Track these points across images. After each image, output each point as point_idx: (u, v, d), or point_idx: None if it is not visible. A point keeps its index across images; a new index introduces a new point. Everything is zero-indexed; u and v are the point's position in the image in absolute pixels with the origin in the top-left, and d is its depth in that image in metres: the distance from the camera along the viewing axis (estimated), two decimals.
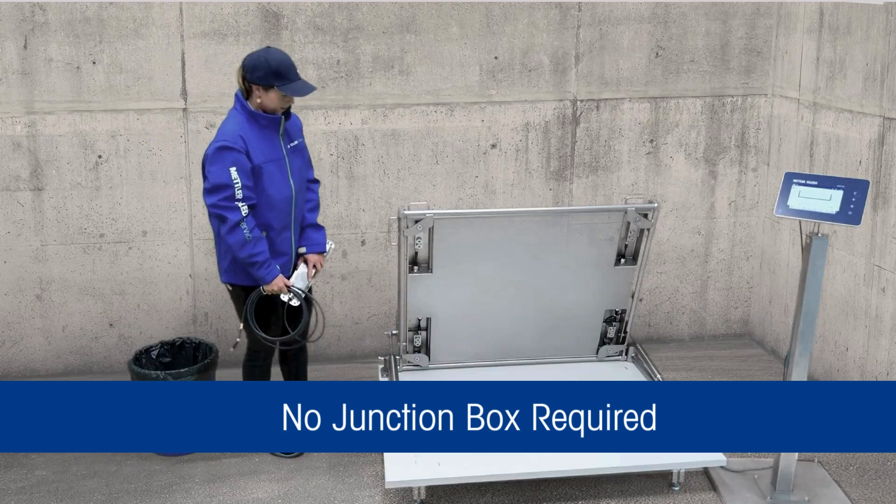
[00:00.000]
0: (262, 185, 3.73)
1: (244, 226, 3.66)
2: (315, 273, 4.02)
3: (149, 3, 4.63)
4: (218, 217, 3.68)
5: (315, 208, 4.08)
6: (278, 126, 3.79)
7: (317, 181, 4.13)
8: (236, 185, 3.63)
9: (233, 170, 3.62)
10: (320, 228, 4.07)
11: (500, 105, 5.00)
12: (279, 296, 3.86)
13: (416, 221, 4.09)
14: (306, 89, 3.73)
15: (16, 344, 4.95)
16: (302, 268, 3.97)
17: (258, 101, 3.72)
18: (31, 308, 4.91)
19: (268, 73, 3.65)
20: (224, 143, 3.64)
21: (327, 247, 4.09)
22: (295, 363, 4.25)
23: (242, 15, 4.71)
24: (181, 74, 4.74)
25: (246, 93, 3.75)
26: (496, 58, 4.94)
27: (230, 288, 3.97)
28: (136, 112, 4.75)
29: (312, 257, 4.01)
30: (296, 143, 3.91)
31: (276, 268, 3.80)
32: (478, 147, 5.03)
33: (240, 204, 3.64)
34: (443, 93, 4.93)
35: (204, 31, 4.70)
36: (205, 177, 3.71)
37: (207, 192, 3.68)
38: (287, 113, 3.84)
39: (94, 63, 4.66)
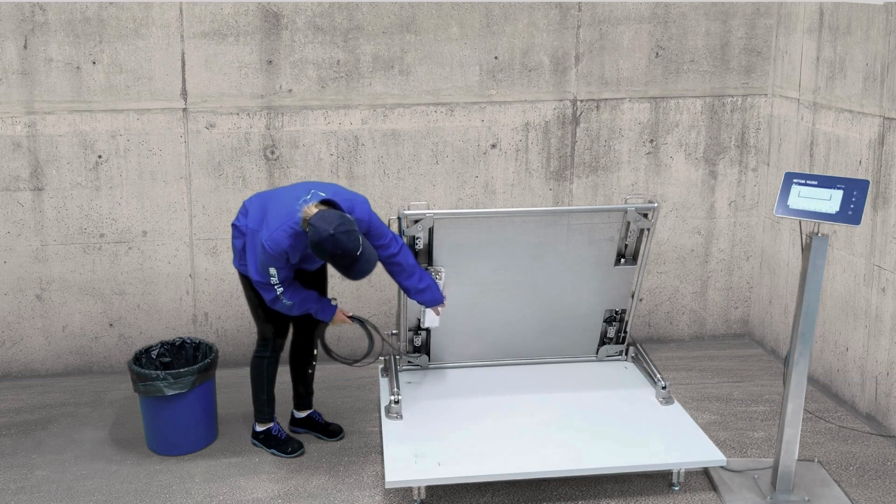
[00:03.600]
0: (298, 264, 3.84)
1: (283, 298, 3.77)
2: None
3: (149, 3, 4.63)
4: (261, 287, 3.80)
5: (411, 275, 3.95)
6: None
7: (397, 252, 3.91)
8: (273, 278, 3.71)
9: (272, 269, 3.70)
10: (424, 290, 4.00)
11: (500, 105, 5.00)
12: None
13: (416, 221, 4.09)
14: (365, 272, 3.58)
15: (16, 344, 4.95)
16: (430, 312, 4.18)
17: None
18: (31, 308, 4.91)
19: (325, 256, 3.54)
20: (268, 249, 3.63)
21: (440, 284, 4.18)
22: (305, 365, 4.25)
23: (242, 15, 4.71)
24: (181, 74, 4.74)
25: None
26: (496, 58, 4.94)
27: (241, 277, 4.01)
28: (136, 112, 4.75)
29: (431, 309, 4.15)
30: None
31: (330, 304, 3.92)
32: (478, 147, 5.03)
33: (277, 287, 3.74)
34: (443, 93, 4.93)
35: (204, 31, 4.70)
36: (250, 251, 3.82)
37: (252, 266, 3.80)
38: None
39: (94, 63, 4.66)
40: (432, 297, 4.06)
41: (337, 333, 5.17)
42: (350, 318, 4.02)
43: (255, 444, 4.22)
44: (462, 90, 4.95)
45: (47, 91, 4.66)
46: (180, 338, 4.35)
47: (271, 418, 4.20)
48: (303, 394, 4.32)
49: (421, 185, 5.04)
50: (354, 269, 3.57)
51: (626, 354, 4.69)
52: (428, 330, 4.46)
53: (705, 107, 5.18)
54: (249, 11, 4.71)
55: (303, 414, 4.34)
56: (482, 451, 3.78)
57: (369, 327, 4.09)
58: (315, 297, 3.88)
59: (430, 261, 4.24)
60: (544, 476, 3.68)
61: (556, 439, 3.87)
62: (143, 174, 4.82)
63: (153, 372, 4.00)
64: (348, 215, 3.57)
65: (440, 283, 4.18)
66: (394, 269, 3.96)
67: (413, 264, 3.97)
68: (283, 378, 4.66)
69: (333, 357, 4.11)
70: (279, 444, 4.15)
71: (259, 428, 4.21)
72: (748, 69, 5.17)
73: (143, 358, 4.22)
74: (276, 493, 3.82)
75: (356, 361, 4.18)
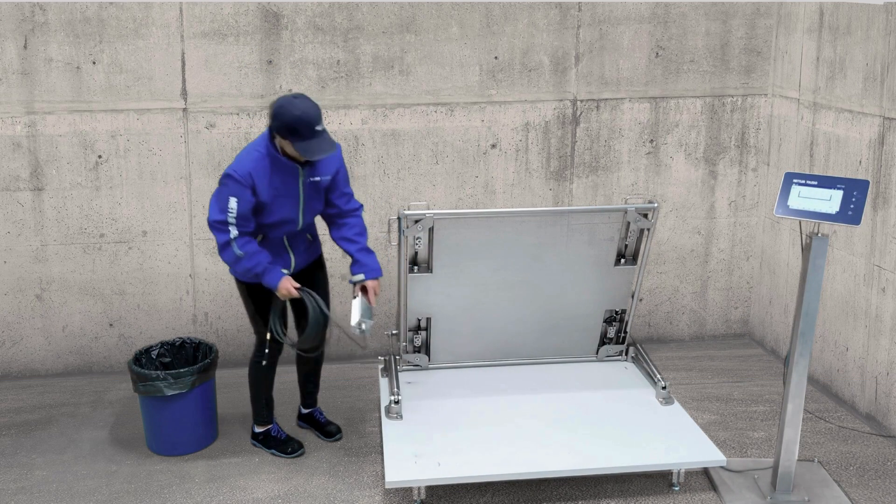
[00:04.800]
0: (268, 216, 3.74)
1: (233, 245, 3.67)
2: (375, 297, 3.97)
3: (149, 3, 4.63)
4: (215, 235, 3.72)
5: (362, 233, 3.96)
6: (297, 171, 3.74)
7: (358, 208, 3.98)
8: (230, 213, 3.63)
9: (232, 199, 3.63)
10: (371, 253, 3.95)
11: (500, 105, 5.00)
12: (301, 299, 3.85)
13: (416, 221, 4.09)
14: (321, 151, 3.57)
15: (16, 344, 4.95)
16: (361, 299, 3.88)
17: (280, 145, 3.68)
18: (31, 308, 4.91)
19: (282, 126, 3.56)
20: (232, 174, 3.63)
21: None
22: (309, 367, 4.26)
23: (242, 15, 4.71)
24: (181, 74, 4.74)
25: (273, 135, 3.68)
26: (496, 58, 4.94)
27: (237, 283, 3.98)
28: (136, 112, 4.75)
29: (371, 283, 3.91)
30: (317, 179, 3.80)
31: (279, 272, 3.75)
32: (478, 147, 5.03)
33: (231, 228, 3.65)
34: (443, 93, 4.93)
35: (204, 31, 4.70)
36: (215, 193, 3.73)
37: (211, 210, 3.71)
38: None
39: (94, 63, 4.66)
40: (375, 265, 3.92)
41: (337, 334, 5.17)
42: (298, 290, 3.78)
43: (254, 445, 4.22)
44: (462, 90, 4.95)
45: (47, 91, 4.66)
46: (180, 338, 4.35)
47: (270, 420, 4.20)
48: (307, 393, 4.33)
49: (421, 185, 5.04)
50: (315, 141, 3.55)
51: (626, 354, 4.69)
52: (427, 330, 4.46)
53: (705, 107, 5.18)
54: (249, 11, 4.71)
55: (307, 410, 4.36)
56: (482, 451, 3.78)
57: (312, 304, 3.81)
58: (267, 257, 3.74)
59: (430, 261, 4.24)
60: (544, 476, 3.68)
61: (556, 439, 3.87)
62: (143, 174, 4.82)
63: (153, 372, 4.00)
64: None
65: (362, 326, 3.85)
66: (349, 222, 3.94)
67: (364, 228, 3.98)
68: (286, 378, 4.66)
69: (275, 336, 3.92)
70: (279, 444, 4.15)
71: (258, 430, 4.21)
72: (748, 69, 5.17)
73: (143, 358, 4.22)
74: (276, 493, 3.82)
75: (293, 344, 3.98)
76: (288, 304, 4.03)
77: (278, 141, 3.66)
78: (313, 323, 3.84)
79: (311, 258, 4.05)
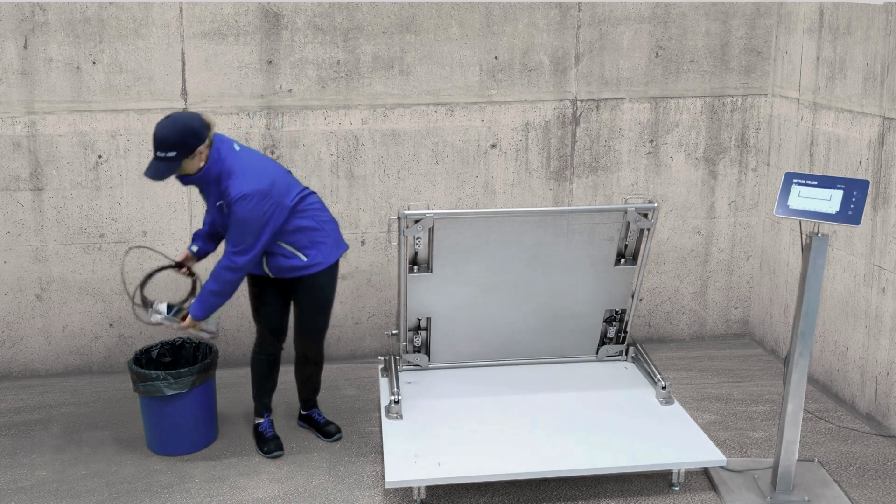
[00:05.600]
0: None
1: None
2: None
3: (149, 3, 4.63)
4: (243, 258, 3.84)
5: (210, 278, 3.80)
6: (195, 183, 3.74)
7: (226, 251, 3.76)
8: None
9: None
10: (202, 296, 3.82)
11: (500, 105, 5.00)
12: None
13: (416, 221, 4.09)
14: (147, 171, 3.59)
15: (16, 344, 4.95)
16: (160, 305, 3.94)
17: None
18: (31, 308, 4.91)
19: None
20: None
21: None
22: (305, 373, 4.25)
23: (242, 15, 4.71)
24: (181, 74, 4.74)
25: None
26: (496, 58, 4.94)
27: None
28: (136, 112, 4.75)
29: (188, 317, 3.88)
30: (219, 203, 3.75)
31: (209, 308, 3.87)
32: (478, 147, 5.03)
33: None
34: (443, 93, 4.93)
35: (204, 31, 4.70)
36: None
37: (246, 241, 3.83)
38: (195, 181, 3.72)
39: (94, 63, 4.66)
40: (198, 304, 3.84)
41: (337, 334, 5.17)
42: (188, 327, 3.86)
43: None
44: (462, 90, 4.95)
45: (47, 91, 4.66)
46: (180, 338, 4.35)
47: (261, 414, 4.21)
48: (304, 398, 4.33)
49: (421, 185, 5.04)
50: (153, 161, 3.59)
51: (626, 354, 4.69)
52: (427, 330, 4.46)
53: (705, 107, 5.18)
54: (249, 11, 4.71)
55: (305, 411, 4.37)
56: (482, 451, 3.78)
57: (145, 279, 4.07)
58: (200, 235, 4.03)
59: (430, 261, 4.24)
60: (544, 476, 3.68)
61: (556, 439, 3.87)
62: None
63: (153, 372, 4.00)
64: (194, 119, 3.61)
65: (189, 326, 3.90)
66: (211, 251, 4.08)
67: (214, 275, 3.79)
68: (286, 378, 4.67)
69: (135, 303, 4.08)
70: (261, 440, 4.16)
71: (255, 421, 4.23)
72: (748, 69, 5.17)
73: (143, 358, 4.22)
74: (276, 493, 3.82)
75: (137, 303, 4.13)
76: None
77: None
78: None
79: (293, 274, 3.90)
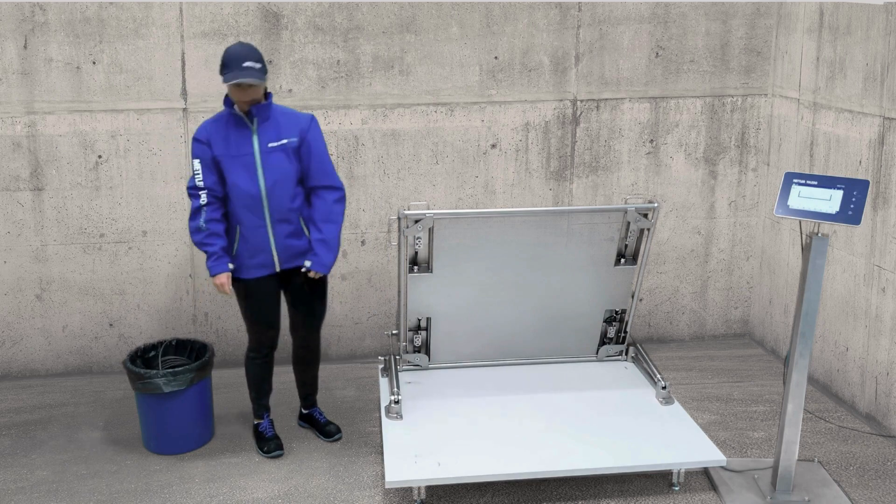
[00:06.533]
0: (228, 179, 3.81)
1: (202, 214, 3.79)
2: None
3: (149, 3, 4.63)
4: (190, 200, 3.85)
5: (328, 219, 3.85)
6: (246, 123, 3.77)
7: (331, 187, 3.87)
8: (197, 175, 3.79)
9: (195, 161, 3.80)
10: (328, 246, 3.86)
11: (500, 105, 5.00)
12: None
13: (416, 221, 4.09)
14: (239, 76, 3.61)
15: (16, 344, 4.95)
16: None
17: (230, 97, 3.78)
18: (31, 308, 4.91)
19: (220, 67, 3.72)
20: (195, 135, 3.81)
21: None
22: (304, 367, 4.26)
23: (242, 15, 4.71)
24: (181, 74, 4.74)
25: None
26: (496, 58, 4.94)
27: (233, 280, 4.01)
28: (136, 112, 4.75)
29: (313, 274, 3.90)
30: (283, 142, 3.78)
31: (224, 264, 3.83)
32: (478, 147, 5.03)
33: (201, 193, 3.78)
34: (443, 93, 4.93)
35: (204, 31, 4.70)
36: None
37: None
38: (261, 111, 3.75)
39: (94, 63, 4.66)
40: (325, 259, 3.85)
41: (337, 334, 5.17)
42: (230, 291, 3.88)
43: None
44: (462, 90, 4.95)
45: (47, 91, 4.66)
46: (176, 338, 4.37)
47: (260, 415, 4.21)
48: (305, 395, 4.33)
49: (421, 185, 5.04)
50: (238, 71, 3.63)
51: (626, 354, 4.69)
52: (427, 330, 4.46)
53: (705, 107, 5.18)
54: (249, 11, 4.71)
55: (306, 410, 4.36)
56: (482, 451, 3.78)
57: None
58: (223, 243, 3.82)
59: (430, 261, 4.24)
60: (544, 476, 3.68)
61: (556, 439, 3.87)
62: (143, 174, 4.82)
63: (151, 371, 4.00)
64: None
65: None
66: (315, 203, 3.87)
67: (330, 211, 3.85)
68: (287, 378, 4.67)
69: None
70: (260, 440, 4.17)
71: (254, 422, 4.24)
72: (748, 69, 5.17)
73: (139, 358, 4.23)
74: (276, 493, 3.82)
75: None
76: (282, 294, 4.07)
77: (228, 91, 3.75)
78: None
79: (297, 262, 3.93)
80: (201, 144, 3.78)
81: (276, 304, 4.03)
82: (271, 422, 4.24)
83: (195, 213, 3.80)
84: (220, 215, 3.83)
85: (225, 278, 3.83)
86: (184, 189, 4.86)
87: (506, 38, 4.92)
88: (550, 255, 4.30)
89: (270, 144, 3.79)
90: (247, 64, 3.65)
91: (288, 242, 3.88)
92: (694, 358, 5.26)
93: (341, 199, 3.89)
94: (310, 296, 4.02)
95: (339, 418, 4.45)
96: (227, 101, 3.79)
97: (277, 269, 3.92)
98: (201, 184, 3.78)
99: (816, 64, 4.74)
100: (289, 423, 4.41)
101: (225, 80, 3.66)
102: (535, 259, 4.30)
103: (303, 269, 3.90)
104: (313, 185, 3.87)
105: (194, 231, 3.82)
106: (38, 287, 4.89)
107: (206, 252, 3.84)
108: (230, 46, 3.72)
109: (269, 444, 4.13)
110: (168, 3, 4.65)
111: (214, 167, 3.78)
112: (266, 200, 3.80)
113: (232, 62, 3.65)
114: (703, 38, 5.08)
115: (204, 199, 3.78)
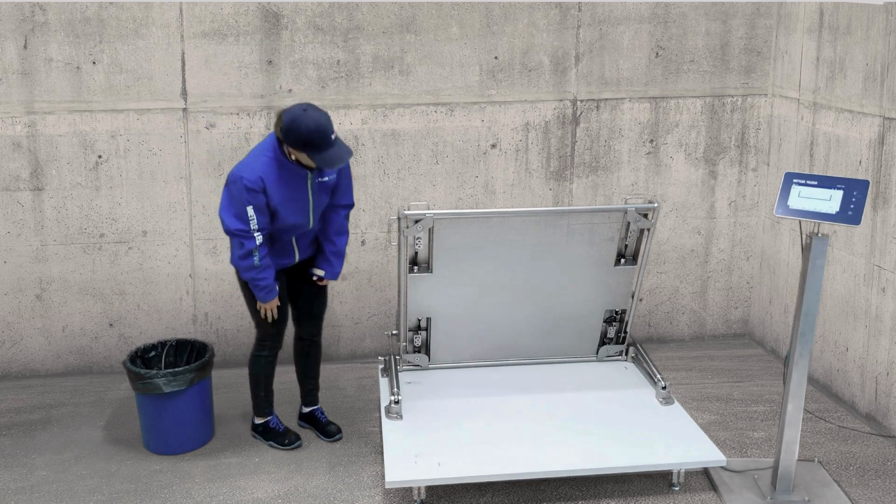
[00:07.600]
0: (279, 219, 3.78)
1: (256, 254, 3.75)
2: None
3: (149, 3, 4.63)
4: (235, 241, 3.75)
5: (341, 232, 4.02)
6: (306, 176, 3.77)
7: (349, 206, 4.02)
8: (252, 221, 3.69)
9: (249, 208, 3.67)
10: (341, 257, 4.06)
11: (500, 105, 5.00)
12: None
13: (416, 221, 4.10)
14: (339, 160, 3.61)
15: (16, 344, 4.95)
16: None
17: (291, 155, 3.69)
18: (31, 308, 4.91)
19: (297, 140, 3.56)
20: (245, 183, 3.64)
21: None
22: (308, 360, 4.28)
23: (242, 15, 4.71)
24: (181, 74, 4.74)
25: (281, 141, 3.70)
26: (496, 58, 4.94)
27: (239, 278, 4.01)
28: (136, 112, 4.75)
29: (327, 282, 4.13)
30: (325, 179, 3.84)
31: (274, 291, 3.90)
32: (478, 147, 5.03)
33: (256, 235, 3.72)
34: (443, 93, 4.93)
35: (204, 31, 4.70)
36: (225, 196, 3.74)
37: (226, 216, 3.73)
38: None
39: (94, 63, 4.66)
40: (338, 269, 4.06)
41: (337, 334, 5.17)
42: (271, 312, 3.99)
43: (254, 437, 4.24)
44: (462, 90, 4.95)
45: (47, 91, 4.66)
46: (176, 338, 4.37)
47: (268, 412, 4.22)
48: (308, 390, 4.34)
49: (421, 185, 5.04)
50: (333, 150, 3.59)
51: (626, 354, 4.69)
52: (427, 330, 4.46)
53: (705, 107, 5.18)
54: (249, 11, 4.71)
55: (307, 409, 4.37)
56: (482, 451, 3.78)
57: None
58: (272, 273, 3.85)
59: (430, 261, 4.24)
60: (544, 476, 3.68)
61: (556, 439, 3.87)
62: (143, 174, 4.82)
63: (151, 371, 4.00)
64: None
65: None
66: (332, 217, 3.98)
67: (345, 228, 4.05)
68: (286, 377, 4.66)
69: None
70: (276, 435, 4.17)
71: (257, 421, 4.25)
72: (748, 69, 5.17)
73: (139, 358, 4.23)
74: (276, 493, 3.82)
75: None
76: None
77: (288, 149, 3.67)
78: None
79: (315, 251, 4.09)
80: (256, 193, 3.65)
81: (285, 301, 4.08)
82: (278, 418, 4.26)
83: (247, 255, 3.74)
84: (267, 250, 3.83)
85: (273, 304, 3.94)
86: (184, 189, 4.86)
87: (506, 38, 4.92)
88: (550, 256, 4.30)
89: (319, 180, 3.84)
90: (333, 136, 3.59)
91: (307, 241, 4.03)
92: (694, 358, 5.26)
93: (350, 212, 4.11)
94: (316, 289, 4.15)
95: (339, 418, 4.45)
96: (281, 153, 3.69)
97: (296, 261, 4.01)
98: (256, 227, 3.70)
99: (816, 64, 4.74)
100: (289, 423, 4.41)
101: (320, 163, 3.58)
102: (535, 259, 4.30)
103: (315, 278, 4.06)
104: (336, 203, 3.97)
105: (247, 269, 3.77)
106: (38, 287, 4.89)
107: (258, 285, 3.83)
108: (306, 119, 3.54)
109: (288, 436, 4.16)
110: (168, 3, 4.64)
111: (267, 210, 3.73)
112: (311, 226, 3.91)
113: (320, 139, 3.55)
114: (703, 38, 5.08)
115: (259, 239, 3.73)
